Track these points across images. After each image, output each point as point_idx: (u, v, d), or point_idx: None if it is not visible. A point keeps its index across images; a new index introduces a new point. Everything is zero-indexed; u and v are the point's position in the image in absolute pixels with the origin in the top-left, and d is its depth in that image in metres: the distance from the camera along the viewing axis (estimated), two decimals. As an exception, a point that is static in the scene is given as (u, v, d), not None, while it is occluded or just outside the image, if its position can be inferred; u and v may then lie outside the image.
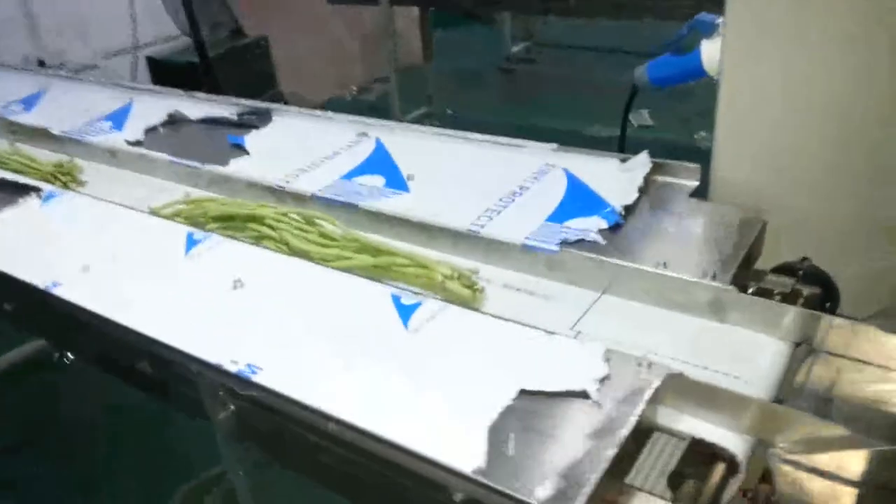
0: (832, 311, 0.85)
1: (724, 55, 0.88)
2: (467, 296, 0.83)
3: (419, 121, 3.42)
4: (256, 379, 0.71)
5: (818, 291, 0.84)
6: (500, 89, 3.98)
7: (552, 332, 0.73)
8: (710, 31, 0.94)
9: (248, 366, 0.72)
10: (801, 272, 0.87)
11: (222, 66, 3.34)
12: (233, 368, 0.72)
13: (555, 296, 0.85)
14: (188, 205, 1.11)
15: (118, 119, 1.46)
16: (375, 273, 0.90)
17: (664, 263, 0.80)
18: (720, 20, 0.96)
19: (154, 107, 1.48)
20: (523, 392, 0.65)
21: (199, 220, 1.08)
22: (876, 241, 0.89)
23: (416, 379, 0.69)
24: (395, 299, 0.80)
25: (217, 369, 0.73)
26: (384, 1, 3.20)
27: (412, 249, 0.94)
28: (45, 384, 2.09)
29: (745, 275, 0.85)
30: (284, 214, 1.02)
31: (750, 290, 0.83)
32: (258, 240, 1.01)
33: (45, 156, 1.36)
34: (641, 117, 3.25)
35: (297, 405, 0.67)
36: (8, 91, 1.72)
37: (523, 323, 0.75)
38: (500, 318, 0.77)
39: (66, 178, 1.27)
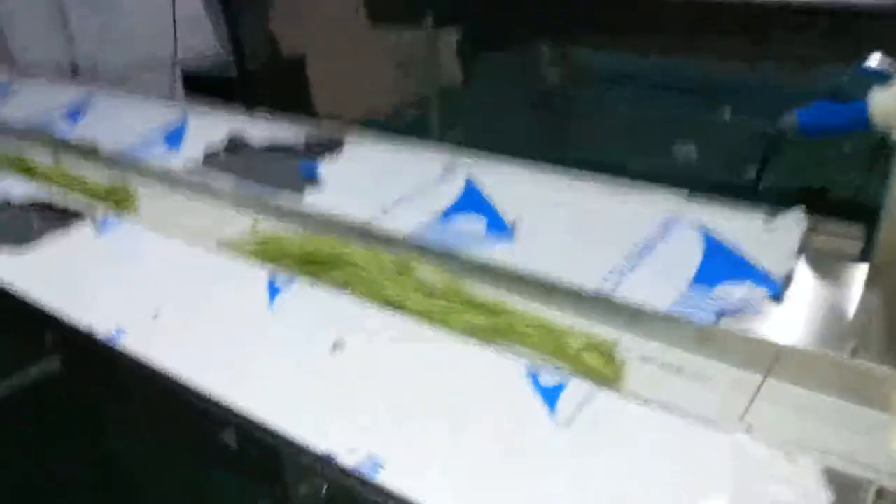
0: None
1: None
2: (608, 373, 0.71)
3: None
4: (382, 478, 0.58)
5: None
6: (538, 117, 3.88)
7: (735, 434, 0.60)
8: (883, 78, 0.82)
9: (370, 458, 0.60)
10: None
11: (257, 82, 3.26)
12: (350, 461, 0.59)
13: (707, 375, 0.73)
14: (263, 240, 0.99)
15: (173, 138, 1.34)
16: (489, 336, 0.78)
17: (853, 348, 0.67)
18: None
19: (211, 126, 1.37)
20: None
21: (275, 257, 0.96)
22: None
23: (584, 494, 0.56)
24: (533, 378, 0.68)
25: (328, 461, 0.60)
26: (428, 22, 3.11)
27: (525, 310, 0.82)
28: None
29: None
30: (375, 257, 0.90)
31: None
32: (345, 285, 0.89)
33: (93, 175, 1.24)
34: (687, 152, 3.13)
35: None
36: (48, 101, 1.61)
37: (696, 415, 0.62)
38: (668, 406, 0.64)
39: (122, 203, 1.15)
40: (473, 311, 0.80)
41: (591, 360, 0.71)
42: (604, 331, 0.78)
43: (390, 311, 0.82)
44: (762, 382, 0.71)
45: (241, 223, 1.07)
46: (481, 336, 0.77)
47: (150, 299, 0.84)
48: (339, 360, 0.73)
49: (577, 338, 0.73)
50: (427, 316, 0.80)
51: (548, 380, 0.67)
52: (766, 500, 0.53)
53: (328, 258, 0.91)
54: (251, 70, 3.11)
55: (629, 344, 0.77)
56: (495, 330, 0.78)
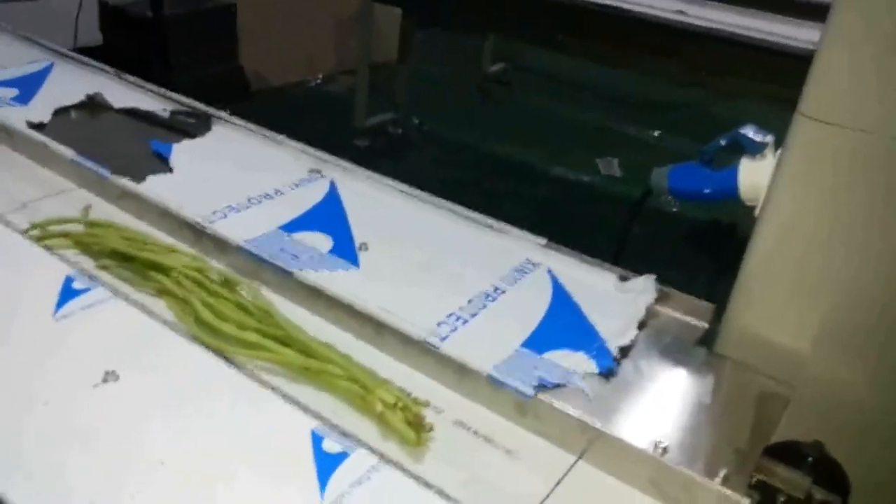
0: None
1: (775, 183, 0.72)
2: (409, 438, 0.64)
3: (383, 125, 3.21)
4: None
5: (833, 500, 0.69)
6: (472, 107, 3.80)
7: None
8: (754, 149, 0.78)
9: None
10: (811, 461, 0.72)
11: (182, 27, 3.07)
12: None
13: (520, 451, 0.67)
14: (84, 227, 0.89)
15: (27, 87, 1.21)
16: (302, 375, 0.71)
17: (664, 447, 0.63)
18: (770, 138, 0.80)
19: (74, 81, 1.24)
20: None
21: (92, 249, 0.86)
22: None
23: None
24: (316, 442, 0.61)
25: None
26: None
27: (352, 345, 0.75)
28: None
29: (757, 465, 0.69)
30: (199, 270, 0.81)
31: (753, 481, 0.67)
32: (160, 294, 0.80)
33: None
34: (610, 166, 3.12)
35: None
36: None
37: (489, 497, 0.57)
38: (449, 497, 0.58)
39: None
40: (288, 347, 0.72)
41: (394, 421, 0.65)
42: (424, 383, 0.72)
43: (198, 334, 0.73)
44: (573, 465, 0.66)
45: (74, 198, 0.96)
46: (292, 372, 0.70)
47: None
48: (104, 393, 0.64)
49: (384, 395, 0.66)
50: (238, 345, 0.72)
51: (331, 446, 0.60)
52: None
53: (146, 262, 0.82)
54: (171, 13, 2.93)
55: (445, 404, 0.71)
56: (307, 370, 0.71)
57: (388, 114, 3.24)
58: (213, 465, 0.59)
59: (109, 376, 0.65)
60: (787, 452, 0.72)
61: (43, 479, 0.56)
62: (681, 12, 2.44)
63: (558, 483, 0.64)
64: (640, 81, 3.27)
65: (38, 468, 0.56)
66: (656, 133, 3.47)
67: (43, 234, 0.87)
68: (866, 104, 0.63)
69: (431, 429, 0.66)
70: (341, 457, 0.59)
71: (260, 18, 3.35)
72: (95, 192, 0.98)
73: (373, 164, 1.04)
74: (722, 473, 0.61)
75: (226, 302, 0.77)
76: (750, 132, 0.78)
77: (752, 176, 0.78)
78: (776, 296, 0.73)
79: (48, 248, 0.83)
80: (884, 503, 0.78)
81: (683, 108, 3.33)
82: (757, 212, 0.76)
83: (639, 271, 0.85)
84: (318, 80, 3.64)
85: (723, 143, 0.82)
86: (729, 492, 0.60)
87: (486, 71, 3.83)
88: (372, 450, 0.62)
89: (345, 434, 0.63)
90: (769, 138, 0.78)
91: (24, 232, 0.86)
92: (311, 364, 0.71)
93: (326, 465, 0.58)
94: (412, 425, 0.65)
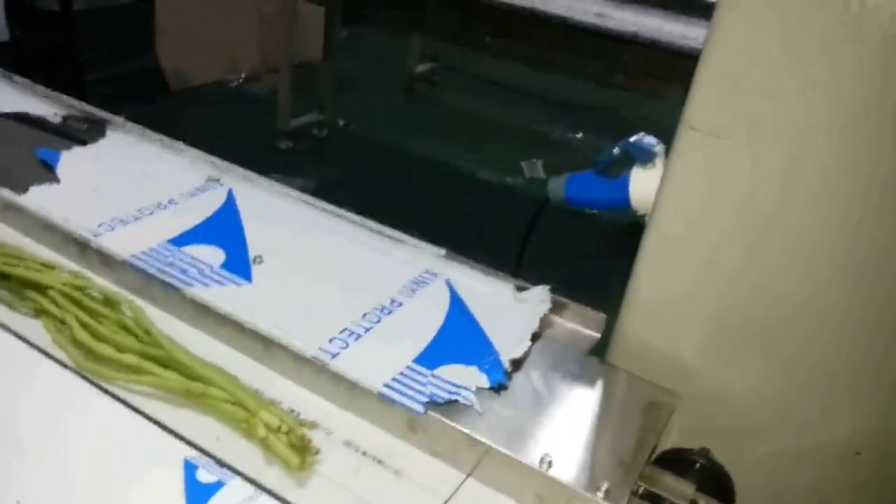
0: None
1: (660, 193, 0.73)
2: (292, 462, 0.63)
3: (308, 126, 3.16)
4: None
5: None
6: (398, 106, 3.78)
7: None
8: (645, 158, 0.79)
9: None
10: (698, 468, 0.74)
11: (92, 22, 2.94)
12: None
13: (410, 470, 0.66)
14: None
15: None
16: (185, 398, 0.68)
17: (549, 461, 0.63)
18: (660, 148, 0.82)
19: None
20: None
21: None
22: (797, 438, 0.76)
23: None
24: (189, 471, 0.58)
25: None
26: None
27: (241, 364, 0.73)
28: None
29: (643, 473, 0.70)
30: (79, 288, 0.77)
31: (640, 491, 0.68)
32: (37, 314, 0.76)
33: None
34: (535, 169, 3.15)
35: None
36: None
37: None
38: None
39: None
40: (170, 368, 0.70)
41: (276, 446, 0.63)
42: (314, 402, 0.71)
43: (75, 358, 0.70)
44: (461, 483, 0.66)
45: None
46: (173, 393, 0.68)
47: None
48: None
49: (267, 417, 0.64)
50: (118, 369, 0.69)
51: (205, 476, 0.58)
52: None
53: (22, 280, 0.78)
54: (80, 7, 2.82)
55: (335, 424, 0.69)
56: (188, 392, 0.68)
57: (313, 115, 3.19)
58: (79, 498, 0.56)
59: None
60: (676, 460, 0.74)
61: None
62: (601, 15, 2.48)
63: (446, 502, 0.64)
64: (565, 84, 3.32)
65: None
66: (579, 135, 3.54)
67: None
68: (741, 114, 0.64)
69: (317, 451, 0.64)
70: (215, 487, 0.57)
71: (179, 14, 3.25)
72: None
73: (295, 167, 1.02)
74: (604, 487, 0.61)
75: (106, 322, 0.74)
76: (642, 141, 0.79)
77: (643, 185, 0.79)
78: (662, 305, 0.74)
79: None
80: (767, 504, 0.80)
81: (607, 111, 3.40)
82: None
83: (549, 278, 0.85)
84: (241, 80, 3.56)
85: (616, 151, 0.83)
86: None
87: (412, 71, 3.81)
88: (250, 479, 0.60)
89: (221, 463, 0.61)
90: (659, 148, 0.80)
91: None
92: (193, 387, 0.68)
93: (198, 495, 0.56)
94: (296, 449, 0.63)
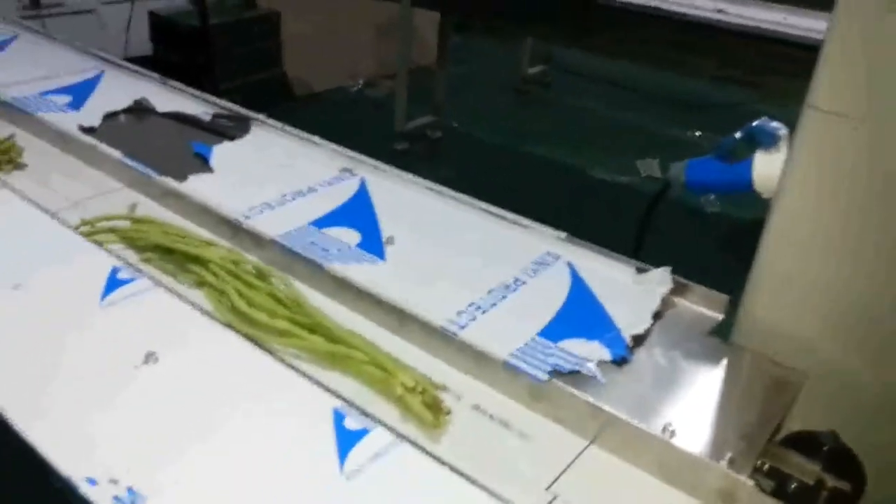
0: (855, 501, 0.72)
1: (785, 175, 0.73)
2: (427, 419, 0.68)
3: (423, 128, 3.25)
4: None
5: (845, 487, 0.70)
6: (511, 109, 3.82)
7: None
8: (769, 142, 0.79)
9: (129, 491, 0.56)
10: (825, 450, 0.73)
11: (227, 36, 3.16)
12: (110, 492, 0.56)
13: (534, 435, 0.70)
14: (130, 223, 0.94)
15: (80, 94, 1.28)
16: (328, 361, 0.75)
17: (672, 431, 0.65)
18: (784, 131, 0.82)
19: (123, 87, 1.31)
20: None
21: (137, 243, 0.91)
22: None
23: None
24: (338, 419, 0.65)
25: (82, 490, 0.57)
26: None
27: (376, 334, 0.79)
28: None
29: (766, 450, 0.70)
30: (235, 263, 0.86)
31: (765, 468, 0.69)
32: (198, 285, 0.85)
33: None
34: (651, 167, 3.10)
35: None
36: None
37: (490, 490, 0.60)
38: (462, 474, 0.62)
39: (2, 156, 1.09)
40: (316, 333, 0.76)
41: (413, 404, 0.68)
42: (443, 370, 0.76)
43: (233, 322, 0.78)
44: (583, 450, 0.69)
45: (122, 197, 1.02)
46: (318, 359, 0.74)
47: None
48: (146, 373, 0.69)
49: (405, 379, 0.70)
50: (270, 332, 0.77)
51: (352, 423, 0.64)
52: None
53: (186, 255, 0.87)
54: (218, 21, 3.03)
55: (464, 389, 0.74)
56: (333, 356, 0.74)
57: (427, 117, 3.29)
58: (239, 438, 0.63)
59: (150, 358, 0.70)
60: (803, 442, 0.73)
61: (77, 442, 0.61)
62: (720, 11, 2.43)
63: (569, 465, 0.67)
64: (682, 81, 3.25)
65: (74, 433, 0.62)
66: (698, 133, 3.45)
67: (92, 231, 0.93)
68: (869, 94, 0.64)
69: (449, 412, 0.69)
70: (361, 433, 0.63)
71: (303, 26, 3.44)
72: (141, 191, 1.04)
73: (411, 168, 1.08)
74: (727, 456, 0.63)
75: (259, 292, 0.82)
76: (766, 125, 0.79)
77: (766, 168, 0.79)
78: (787, 286, 0.74)
79: (97, 243, 0.89)
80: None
81: (725, 108, 3.30)
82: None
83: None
84: (359, 85, 3.71)
85: (738, 136, 0.83)
86: (734, 474, 0.62)
87: (524, 73, 3.85)
88: (391, 429, 0.65)
89: (365, 414, 0.66)
90: (783, 131, 0.79)
91: (75, 228, 0.92)
92: (337, 350, 0.74)
93: (346, 440, 0.62)
94: (430, 408, 0.68)
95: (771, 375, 0.73)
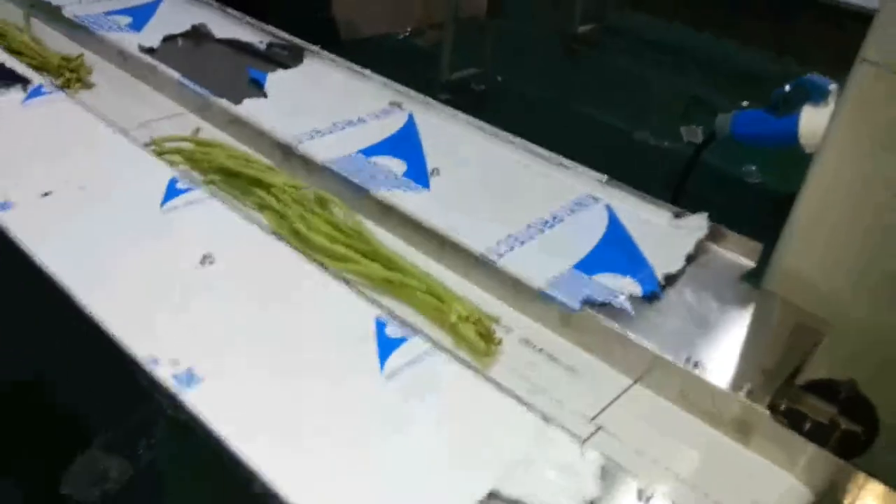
0: (864, 450, 0.74)
1: (830, 128, 0.74)
2: (480, 347, 0.70)
3: (467, 80, 3.24)
4: (193, 393, 0.60)
5: (857, 430, 0.72)
6: (558, 67, 3.78)
7: (548, 420, 0.61)
8: (818, 96, 0.80)
9: (188, 371, 0.61)
10: (842, 396, 0.76)
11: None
12: (169, 371, 0.61)
13: (581, 369, 0.72)
14: (194, 145, 0.98)
15: (140, 16, 1.32)
16: (383, 287, 0.77)
17: (695, 362, 0.68)
18: (833, 86, 0.82)
19: (181, 12, 1.34)
20: (493, 496, 0.54)
21: (202, 165, 0.95)
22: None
23: (371, 447, 0.58)
24: (380, 327, 0.69)
25: (147, 368, 0.62)
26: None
27: (417, 259, 0.82)
28: None
29: (784, 389, 0.73)
30: (295, 188, 0.88)
31: (782, 407, 0.71)
32: (260, 208, 0.89)
33: (56, 41, 1.23)
34: (694, 134, 3.06)
35: (226, 451, 0.56)
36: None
37: (519, 398, 0.64)
38: (492, 382, 0.65)
39: (71, 75, 1.14)
40: (372, 260, 0.79)
41: (467, 332, 0.71)
42: (480, 297, 0.79)
43: (279, 244, 0.82)
44: (628, 387, 0.71)
45: (186, 121, 1.06)
46: (373, 285, 0.77)
47: (47, 177, 0.85)
48: (202, 273, 0.74)
49: (459, 308, 0.72)
50: (326, 256, 0.80)
51: (392, 332, 0.68)
52: (535, 481, 0.55)
53: (249, 178, 0.90)
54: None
55: (511, 322, 0.76)
56: (388, 282, 0.77)
57: (472, 69, 3.27)
58: (285, 337, 0.68)
59: (206, 259, 0.74)
60: (822, 388, 0.76)
61: (141, 328, 0.66)
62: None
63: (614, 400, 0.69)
64: (737, 50, 3.18)
65: (138, 321, 0.67)
66: (745, 104, 3.39)
67: (160, 150, 0.96)
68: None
69: (500, 342, 0.72)
70: (401, 340, 0.67)
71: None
72: (198, 113, 1.08)
73: None
74: (746, 387, 0.66)
75: (319, 218, 0.84)
76: (815, 79, 0.80)
77: (813, 122, 0.80)
78: (823, 238, 0.76)
79: (161, 158, 0.93)
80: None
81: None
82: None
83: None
84: (406, 33, 3.70)
85: (787, 88, 0.84)
86: (751, 403, 0.65)
87: (574, 31, 3.79)
88: (433, 342, 0.69)
89: (405, 324, 0.70)
90: (833, 86, 0.80)
91: (145, 146, 0.96)
92: (393, 276, 0.77)
93: (387, 346, 0.66)
94: (483, 337, 0.71)
95: (796, 321, 0.75)
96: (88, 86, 1.14)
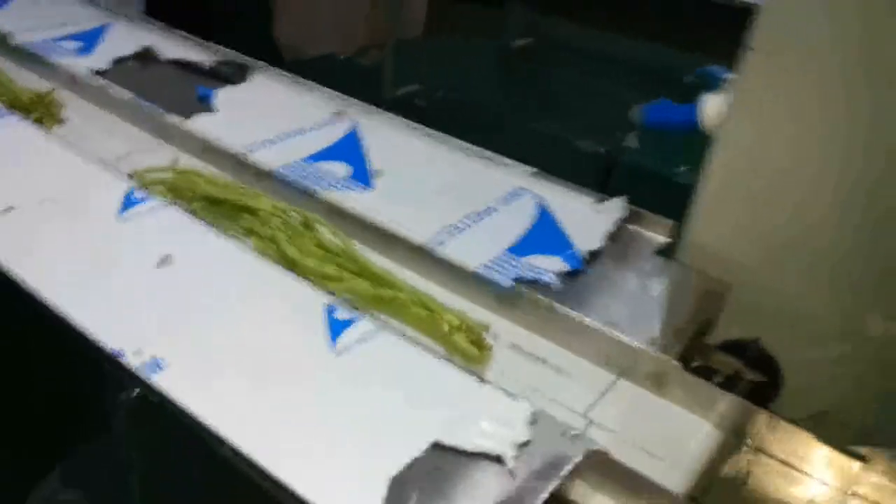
0: (771, 399, 0.83)
1: (726, 113, 0.84)
2: (473, 354, 0.75)
3: (409, 96, 3.33)
4: (159, 377, 0.66)
5: (761, 379, 0.82)
6: (497, 80, 3.90)
7: (484, 381, 0.69)
8: (715, 84, 0.90)
9: (153, 359, 0.67)
10: (748, 353, 0.85)
11: (218, 2, 3.21)
12: (135, 361, 0.67)
13: (568, 370, 0.78)
14: (175, 174, 1.01)
15: (89, 40, 1.37)
16: (373, 304, 0.81)
17: (613, 323, 0.77)
18: (728, 75, 0.92)
19: (128, 36, 1.39)
20: (438, 447, 0.61)
21: (185, 194, 0.97)
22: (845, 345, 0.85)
23: (327, 410, 0.65)
24: (330, 311, 0.75)
25: (115, 356, 0.68)
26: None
27: (364, 254, 0.89)
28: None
29: (695, 347, 0.82)
30: (283, 211, 0.92)
31: (694, 364, 0.80)
32: (247, 233, 0.91)
33: (8, 70, 1.27)
34: (631, 139, 3.20)
35: (192, 419, 0.62)
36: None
37: (460, 366, 0.71)
38: (435, 355, 0.73)
39: (44, 111, 1.16)
40: (362, 278, 0.83)
41: (459, 340, 0.76)
42: (423, 285, 0.86)
43: (229, 243, 0.87)
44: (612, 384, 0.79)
45: (160, 153, 1.09)
46: (365, 302, 0.80)
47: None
48: (160, 273, 0.80)
49: (450, 318, 0.77)
50: (319, 278, 0.83)
51: (341, 315, 0.75)
52: (473, 431, 0.62)
53: (235, 205, 0.93)
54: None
55: (500, 328, 0.82)
56: (380, 298, 0.81)
57: (414, 85, 3.37)
58: (241, 324, 0.74)
59: (164, 261, 0.80)
60: (731, 347, 0.85)
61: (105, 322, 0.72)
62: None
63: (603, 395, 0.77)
64: (665, 53, 3.32)
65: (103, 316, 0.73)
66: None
67: (143, 182, 0.97)
68: (800, 33, 0.74)
69: (490, 347, 0.77)
70: (349, 322, 0.74)
71: (295, -8, 3.50)
72: (156, 133, 1.13)
73: None
74: (657, 343, 0.74)
75: (308, 240, 0.88)
76: (713, 69, 0.90)
77: (712, 107, 0.90)
78: (724, 212, 0.85)
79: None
80: (812, 405, 0.89)
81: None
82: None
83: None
84: (350, 53, 3.77)
85: (685, 80, 0.94)
86: (662, 356, 0.73)
87: (510, 44, 3.92)
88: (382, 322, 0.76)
89: (355, 309, 0.77)
90: (728, 75, 0.90)
91: (129, 177, 0.98)
92: (384, 293, 0.81)
93: (337, 327, 0.73)
94: (475, 344, 0.76)
95: (704, 287, 0.84)
96: (60, 122, 1.15)
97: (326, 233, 0.89)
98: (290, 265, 0.85)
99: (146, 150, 1.10)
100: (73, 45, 1.34)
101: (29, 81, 1.23)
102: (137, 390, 0.70)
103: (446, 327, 0.76)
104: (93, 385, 0.80)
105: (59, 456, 1.14)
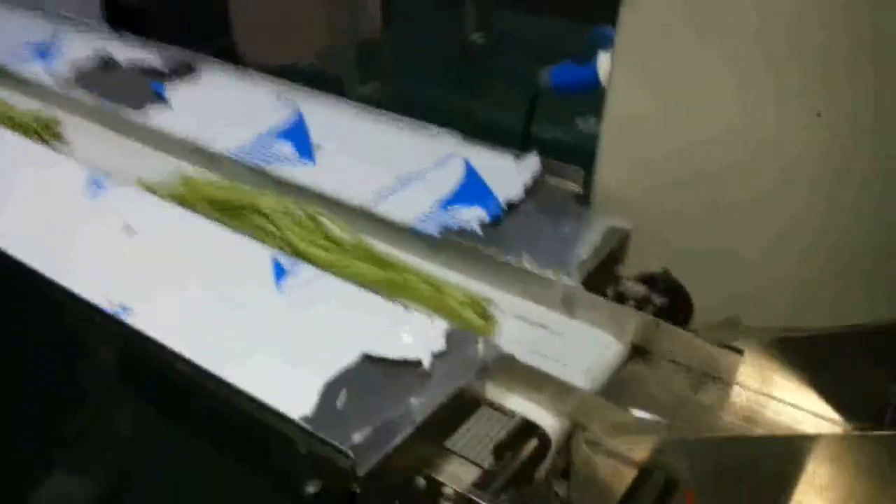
0: (685, 322, 0.94)
1: (614, 63, 0.94)
2: (479, 325, 0.83)
3: (367, 96, 3.43)
4: (129, 319, 0.76)
5: (668, 302, 0.93)
6: (455, 75, 4.01)
7: (409, 309, 0.80)
8: (607, 43, 1.01)
9: (121, 305, 0.77)
10: (657, 282, 0.96)
11: (172, 8, 3.28)
12: (107, 306, 0.77)
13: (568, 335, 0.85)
14: (183, 185, 1.07)
15: (46, 51, 1.46)
16: (383, 287, 0.87)
17: (528, 258, 0.87)
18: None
19: (82, 44, 1.48)
20: (366, 357, 0.72)
21: (190, 201, 1.03)
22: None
23: (272, 332, 0.76)
24: (276, 262, 0.86)
25: (92, 306, 0.78)
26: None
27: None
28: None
29: (607, 280, 0.93)
30: (286, 208, 0.99)
31: (608, 295, 0.91)
32: (256, 231, 0.98)
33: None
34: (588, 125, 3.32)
35: (156, 345, 0.72)
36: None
37: (386, 298, 0.82)
38: (366, 290, 0.83)
39: (46, 131, 1.23)
40: (371, 263, 0.92)
41: (468, 315, 0.84)
42: (383, 247, 0.95)
43: (186, 213, 0.98)
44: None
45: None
46: (374, 287, 0.86)
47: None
48: (128, 238, 0.90)
49: (456, 295, 0.86)
50: (330, 267, 0.90)
51: (287, 265, 0.85)
52: (397, 345, 0.73)
53: (242, 205, 1.01)
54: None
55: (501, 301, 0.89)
56: (389, 280, 0.89)
57: (375, 84, 3.47)
58: (200, 274, 0.84)
59: (127, 230, 0.90)
60: (644, 279, 0.96)
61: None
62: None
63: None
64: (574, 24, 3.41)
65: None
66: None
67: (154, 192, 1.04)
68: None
69: (495, 319, 0.85)
70: (294, 269, 0.84)
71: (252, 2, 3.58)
72: (118, 131, 1.23)
73: None
74: (566, 270, 0.85)
75: (316, 234, 0.96)
76: (604, 30, 1.00)
77: (607, 65, 1.01)
78: (623, 157, 0.96)
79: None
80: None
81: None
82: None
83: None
84: (309, 57, 3.86)
85: (587, 42, 1.04)
86: (570, 282, 0.84)
87: (467, 39, 4.03)
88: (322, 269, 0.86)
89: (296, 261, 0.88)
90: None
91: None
92: (392, 277, 0.89)
93: (282, 272, 0.84)
94: (481, 316, 0.84)
95: (607, 224, 0.95)
96: (63, 140, 1.23)
97: (332, 226, 0.96)
98: (307, 259, 0.90)
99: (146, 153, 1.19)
100: (32, 55, 1.42)
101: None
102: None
103: (454, 303, 0.84)
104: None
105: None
